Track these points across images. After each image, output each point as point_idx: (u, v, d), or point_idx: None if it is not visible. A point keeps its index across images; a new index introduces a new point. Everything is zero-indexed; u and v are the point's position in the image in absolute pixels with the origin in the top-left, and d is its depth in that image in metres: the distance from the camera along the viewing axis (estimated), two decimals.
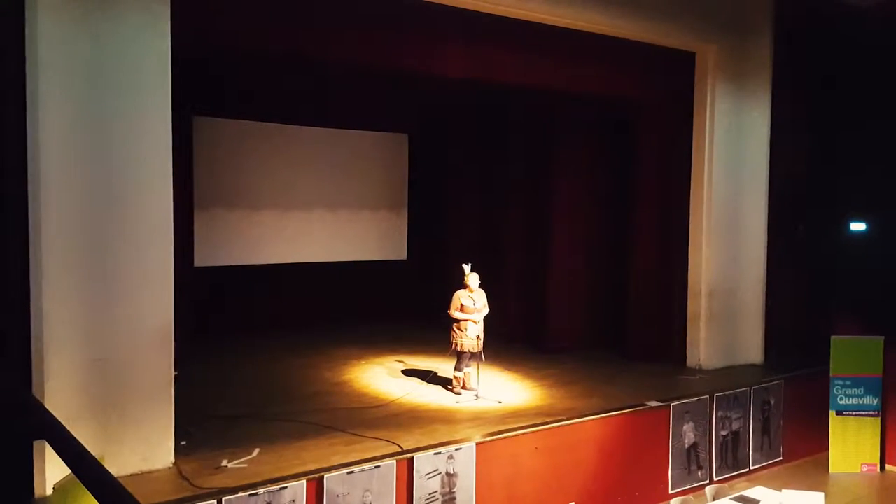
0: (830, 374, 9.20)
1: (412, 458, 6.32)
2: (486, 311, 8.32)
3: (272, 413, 7.40)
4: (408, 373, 9.26)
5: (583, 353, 10.31)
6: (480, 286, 8.32)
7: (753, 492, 6.67)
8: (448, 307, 8.28)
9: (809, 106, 10.23)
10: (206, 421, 6.92)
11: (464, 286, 8.25)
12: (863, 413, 9.19)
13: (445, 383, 8.54)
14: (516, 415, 7.56)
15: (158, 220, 5.94)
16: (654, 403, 8.04)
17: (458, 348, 8.22)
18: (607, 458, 7.57)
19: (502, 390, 8.48)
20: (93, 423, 5.55)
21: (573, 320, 10.77)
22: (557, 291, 10.80)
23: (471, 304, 8.19)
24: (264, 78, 10.28)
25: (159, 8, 5.89)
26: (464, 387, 8.35)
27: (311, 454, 6.25)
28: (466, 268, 8.30)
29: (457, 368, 8.34)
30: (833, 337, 9.20)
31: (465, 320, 8.16)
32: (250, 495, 5.48)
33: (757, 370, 9.80)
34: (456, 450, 6.56)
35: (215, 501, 5.36)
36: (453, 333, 8.27)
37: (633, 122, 10.33)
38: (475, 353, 8.23)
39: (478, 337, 8.17)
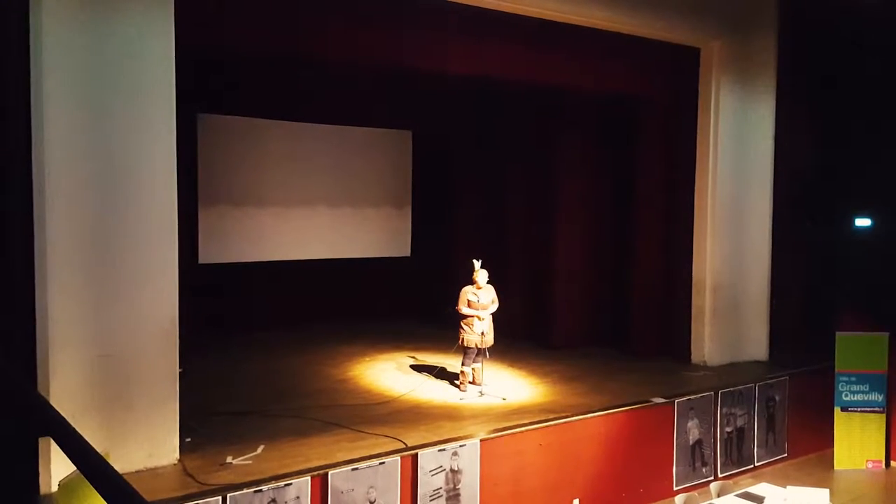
0: (835, 371, 9.18)
1: (416, 454, 6.33)
2: (494, 307, 8.29)
3: (277, 410, 7.41)
4: (412, 369, 9.27)
5: (587, 349, 10.31)
6: (489, 282, 8.31)
7: (758, 488, 6.66)
8: (454, 303, 8.28)
9: (815, 102, 10.21)
10: (210, 417, 6.93)
11: (472, 282, 8.25)
12: (868, 409, 9.17)
13: (452, 379, 8.53)
14: (520, 411, 7.57)
15: (163, 216, 5.95)
16: (658, 400, 8.04)
17: (464, 344, 8.22)
18: (612, 454, 7.57)
19: (507, 387, 8.48)
20: (98, 420, 5.56)
21: (577, 317, 10.75)
22: (561, 288, 10.79)
23: (476, 300, 8.18)
24: (268, 75, 10.27)
25: (163, 6, 5.89)
26: (473, 382, 8.36)
27: (316, 451, 6.26)
28: (476, 263, 8.28)
29: (463, 364, 8.34)
30: (838, 333, 9.18)
31: (471, 316, 8.16)
32: (255, 492, 5.49)
33: (761, 366, 9.78)
34: (460, 446, 6.57)
35: (220, 498, 5.37)
36: (460, 329, 8.27)
37: (638, 119, 10.30)
38: (481, 350, 8.24)
39: (483, 333, 8.17)
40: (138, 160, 5.83)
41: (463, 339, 8.22)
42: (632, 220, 10.48)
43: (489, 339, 8.24)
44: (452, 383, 8.50)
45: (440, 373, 8.87)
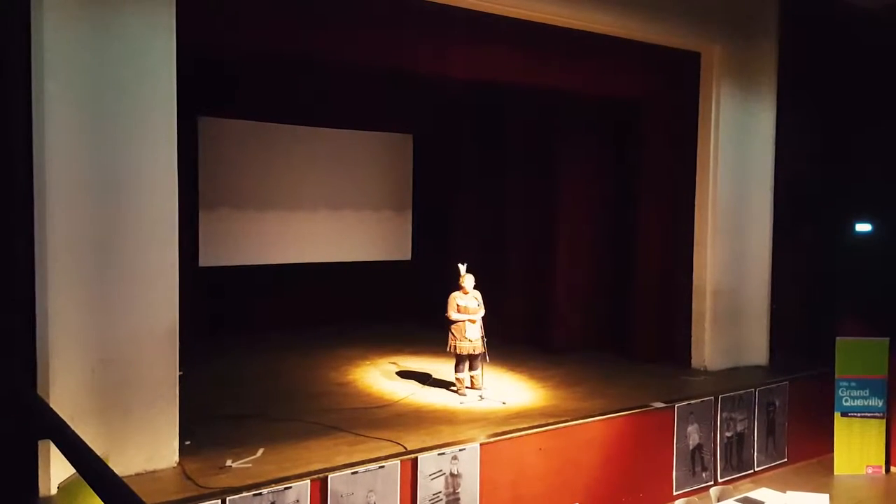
0: (835, 376, 9.17)
1: (416, 458, 6.32)
2: (482, 312, 8.24)
3: (277, 413, 7.40)
4: (412, 373, 9.26)
5: (587, 353, 10.30)
6: (477, 286, 8.25)
7: (758, 493, 6.66)
8: (446, 310, 8.24)
9: (815, 106, 10.21)
10: (210, 421, 6.92)
11: (458, 287, 8.21)
12: (868, 415, 9.16)
13: (452, 382, 8.51)
14: (520, 416, 7.55)
15: (164, 219, 5.95)
16: (658, 404, 8.03)
17: (456, 351, 8.19)
18: (611, 459, 7.56)
19: (506, 391, 8.47)
20: (97, 423, 5.55)
21: (577, 321, 10.75)
22: (561, 292, 10.78)
23: (475, 305, 8.17)
24: (270, 78, 10.29)
25: (165, 7, 5.90)
26: (472, 387, 8.34)
27: (316, 454, 6.25)
28: (462, 268, 8.22)
29: (458, 371, 8.32)
30: (838, 338, 9.17)
31: (464, 321, 8.13)
32: (254, 495, 5.48)
33: (762, 371, 9.78)
34: (460, 450, 6.56)
35: (219, 501, 5.36)
36: (450, 336, 8.21)
37: (638, 122, 10.31)
38: (477, 354, 8.22)
39: (482, 338, 8.16)
40: (139, 162, 5.83)
41: (454, 345, 8.17)
42: (632, 224, 10.48)
43: (484, 343, 8.19)
44: (452, 387, 8.48)
45: (440, 376, 8.86)
